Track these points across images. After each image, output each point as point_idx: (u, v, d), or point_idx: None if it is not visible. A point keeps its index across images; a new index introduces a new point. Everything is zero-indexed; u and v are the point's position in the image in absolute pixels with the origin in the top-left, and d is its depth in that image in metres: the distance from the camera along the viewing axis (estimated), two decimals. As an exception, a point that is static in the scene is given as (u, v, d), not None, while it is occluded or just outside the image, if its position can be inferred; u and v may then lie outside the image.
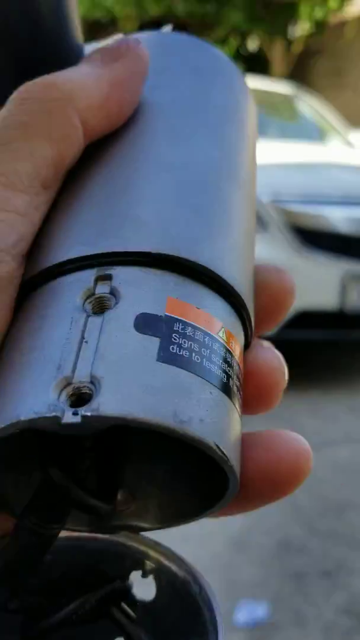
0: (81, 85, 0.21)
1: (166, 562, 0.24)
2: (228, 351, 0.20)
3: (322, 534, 2.17)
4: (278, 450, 0.20)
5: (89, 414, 0.16)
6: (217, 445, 0.18)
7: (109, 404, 0.16)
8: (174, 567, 0.24)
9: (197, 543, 2.12)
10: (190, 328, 0.18)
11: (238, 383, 0.20)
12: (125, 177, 0.21)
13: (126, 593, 0.22)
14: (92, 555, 0.23)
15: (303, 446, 0.20)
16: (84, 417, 0.16)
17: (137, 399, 0.16)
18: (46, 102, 0.20)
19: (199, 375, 0.18)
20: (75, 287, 0.18)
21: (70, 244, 0.19)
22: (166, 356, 0.18)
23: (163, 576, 0.23)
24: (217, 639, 0.21)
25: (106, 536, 0.23)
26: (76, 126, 0.21)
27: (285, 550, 2.08)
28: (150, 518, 0.23)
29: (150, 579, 0.23)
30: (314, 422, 3.12)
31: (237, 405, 0.20)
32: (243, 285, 0.21)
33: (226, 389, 0.19)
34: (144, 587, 0.24)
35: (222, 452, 0.18)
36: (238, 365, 0.21)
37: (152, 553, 0.23)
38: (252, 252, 0.23)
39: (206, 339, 0.19)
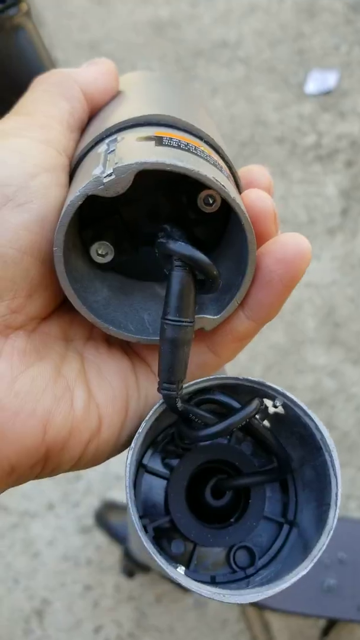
0: (76, 71, 0.32)
1: (290, 402, 0.30)
2: (211, 154, 0.28)
3: None
4: (285, 241, 0.27)
5: (115, 165, 0.25)
6: (214, 178, 0.25)
7: (128, 159, 0.25)
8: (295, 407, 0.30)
9: (264, 12, 2.04)
10: (175, 140, 0.27)
11: (228, 171, 0.29)
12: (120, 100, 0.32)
13: (266, 409, 0.30)
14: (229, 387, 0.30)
15: (304, 240, 0.27)
16: (114, 169, 0.25)
17: (148, 154, 0.25)
18: (55, 79, 0.32)
19: (192, 153, 0.26)
20: (104, 142, 0.28)
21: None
22: (162, 144, 0.26)
23: (289, 407, 0.30)
24: (331, 458, 0.28)
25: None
26: (78, 90, 0.31)
27: (356, 13, 2.00)
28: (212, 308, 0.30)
29: (280, 408, 0.30)
30: None
31: (223, 172, 0.28)
32: (212, 134, 0.30)
33: (217, 165, 0.27)
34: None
35: (220, 184, 0.25)
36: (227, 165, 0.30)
37: (279, 395, 0.30)
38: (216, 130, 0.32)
39: (189, 145, 0.27)
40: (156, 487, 0.31)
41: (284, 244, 0.27)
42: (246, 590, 0.27)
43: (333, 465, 0.28)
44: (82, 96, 0.31)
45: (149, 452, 0.32)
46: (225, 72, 1.93)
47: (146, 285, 0.32)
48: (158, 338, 0.28)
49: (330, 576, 0.83)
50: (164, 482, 0.31)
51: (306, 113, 1.83)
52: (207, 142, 0.29)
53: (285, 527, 0.31)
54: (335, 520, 0.27)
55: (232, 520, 0.31)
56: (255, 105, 1.85)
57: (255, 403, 0.28)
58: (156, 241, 0.28)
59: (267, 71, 1.91)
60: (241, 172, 0.32)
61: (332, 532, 0.26)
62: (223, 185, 0.26)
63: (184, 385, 0.29)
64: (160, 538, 0.31)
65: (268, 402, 0.30)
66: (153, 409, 0.29)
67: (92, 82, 0.32)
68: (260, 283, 0.28)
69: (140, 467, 0.31)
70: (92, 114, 0.33)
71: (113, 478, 1.34)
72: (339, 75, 1.87)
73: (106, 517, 1.17)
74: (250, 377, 0.30)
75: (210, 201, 0.29)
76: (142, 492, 0.31)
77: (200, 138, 0.29)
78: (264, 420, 0.31)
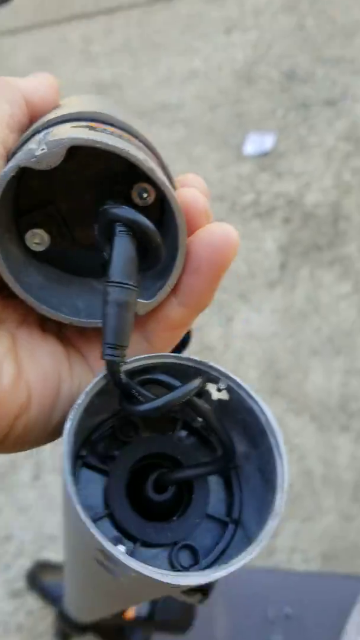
0: (18, 79, 0.33)
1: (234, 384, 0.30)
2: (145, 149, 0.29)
3: (328, 62, 2.17)
4: (213, 228, 0.28)
5: (49, 139, 0.26)
6: (145, 160, 0.26)
7: (61, 135, 0.26)
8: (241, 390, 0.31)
9: (204, 78, 2.13)
10: (109, 130, 0.28)
11: (162, 170, 0.30)
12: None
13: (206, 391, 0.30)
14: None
15: (231, 229, 0.28)
16: (46, 143, 0.26)
17: (82, 134, 0.26)
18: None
19: (125, 140, 0.27)
20: (40, 132, 0.29)
21: None
22: (96, 130, 0.27)
23: (233, 391, 0.29)
24: (275, 439, 0.28)
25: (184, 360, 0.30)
26: (20, 96, 0.32)
27: (291, 81, 2.12)
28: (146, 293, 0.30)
29: (224, 393, 0.30)
30: None
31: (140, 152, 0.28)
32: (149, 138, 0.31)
33: (149, 155, 0.28)
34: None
35: (149, 166, 0.26)
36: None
37: (223, 377, 0.29)
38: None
39: (123, 137, 0.28)
40: (94, 482, 0.30)
41: (212, 231, 0.28)
42: (191, 572, 0.26)
43: (278, 448, 0.28)
44: (23, 102, 0.32)
45: (84, 451, 0.31)
46: (167, 132, 1.99)
47: (83, 280, 0.32)
48: (92, 320, 0.29)
49: (276, 632, 0.80)
50: (102, 478, 0.30)
51: (245, 173, 1.89)
52: (142, 141, 0.30)
53: (230, 527, 0.30)
54: (283, 506, 0.26)
55: (174, 518, 0.30)
56: (196, 164, 1.91)
57: (197, 380, 0.28)
58: (99, 211, 0.28)
59: (207, 133, 1.98)
60: (177, 178, 0.32)
61: (278, 518, 0.26)
62: (152, 168, 0.26)
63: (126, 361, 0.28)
64: None
65: (212, 388, 0.30)
66: (94, 382, 0.28)
67: (33, 91, 0.33)
68: (190, 269, 0.29)
69: (77, 459, 0.30)
70: (33, 121, 0.33)
71: (46, 538, 1.28)
72: (275, 138, 1.96)
73: (39, 577, 1.10)
74: (194, 357, 0.29)
75: (144, 195, 0.29)
76: (80, 488, 0.30)
77: (136, 137, 0.29)
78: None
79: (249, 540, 0.28)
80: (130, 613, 0.86)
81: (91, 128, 0.27)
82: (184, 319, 0.30)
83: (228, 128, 1.99)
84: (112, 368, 0.27)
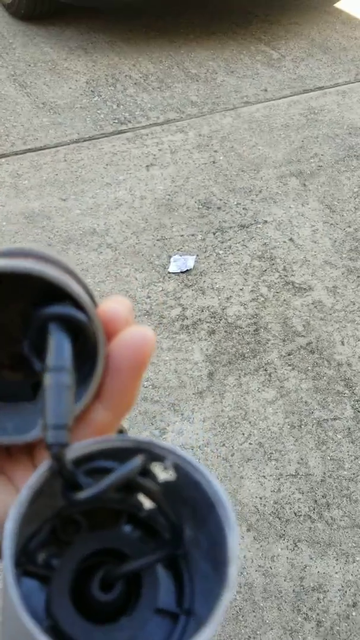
0: None
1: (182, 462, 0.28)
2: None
3: (239, 192, 2.40)
4: (132, 330, 0.29)
5: None
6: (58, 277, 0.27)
7: None
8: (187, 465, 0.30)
9: (128, 207, 2.30)
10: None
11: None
12: None
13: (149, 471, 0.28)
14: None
15: (148, 329, 0.29)
16: None
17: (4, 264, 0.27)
18: None
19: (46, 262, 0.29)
20: None
21: None
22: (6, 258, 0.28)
23: (181, 471, 0.28)
24: (224, 509, 0.27)
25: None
26: None
27: (207, 208, 2.32)
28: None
29: (171, 472, 0.29)
30: (232, 79, 3.10)
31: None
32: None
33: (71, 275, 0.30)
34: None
35: (61, 279, 0.27)
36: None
37: (169, 454, 0.28)
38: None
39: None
40: (34, 590, 0.28)
41: (131, 333, 0.29)
42: None
43: (228, 520, 0.26)
44: None
45: (22, 558, 0.28)
46: (95, 255, 2.11)
47: (13, 404, 0.32)
48: (20, 437, 0.29)
49: None
50: (41, 585, 0.28)
51: (170, 289, 2.01)
52: (60, 266, 0.31)
53: (182, 618, 0.28)
54: (235, 578, 0.25)
55: (123, 617, 0.28)
56: (124, 283, 2.02)
57: (137, 458, 0.27)
58: (32, 318, 0.28)
59: (133, 255, 2.11)
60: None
61: (232, 592, 0.25)
62: (66, 281, 0.27)
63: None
64: None
65: (157, 469, 0.29)
66: (38, 473, 0.27)
67: None
68: (111, 370, 0.30)
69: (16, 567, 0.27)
70: None
71: None
72: (197, 258, 2.11)
73: None
74: (138, 437, 0.28)
75: None
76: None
77: (53, 262, 0.31)
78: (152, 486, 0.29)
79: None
80: None
81: (3, 256, 0.29)
82: (110, 422, 0.31)
83: (153, 250, 2.13)
84: (58, 452, 0.26)
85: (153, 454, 0.28)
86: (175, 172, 2.49)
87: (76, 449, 0.27)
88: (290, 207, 2.35)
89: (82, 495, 0.26)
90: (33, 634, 0.23)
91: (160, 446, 0.28)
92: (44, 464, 0.27)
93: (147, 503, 0.30)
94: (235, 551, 0.26)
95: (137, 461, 0.27)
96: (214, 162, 2.55)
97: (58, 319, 0.28)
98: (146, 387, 1.75)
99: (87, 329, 0.28)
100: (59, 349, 0.27)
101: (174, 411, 1.70)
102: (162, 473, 0.29)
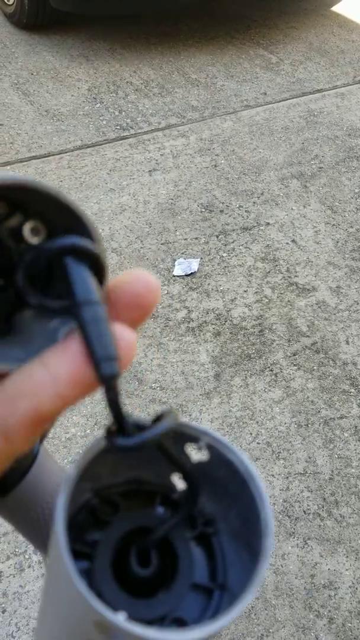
0: None
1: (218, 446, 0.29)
2: None
3: (241, 195, 2.42)
4: (136, 274, 0.26)
5: None
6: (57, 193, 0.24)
7: None
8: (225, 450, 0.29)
9: (132, 212, 2.32)
10: None
11: None
12: None
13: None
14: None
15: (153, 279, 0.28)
16: None
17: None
18: None
19: None
20: None
21: None
22: None
23: (214, 451, 0.29)
24: (261, 501, 0.27)
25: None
26: None
27: (210, 212, 2.34)
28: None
29: (204, 452, 0.29)
30: (231, 83, 3.13)
31: None
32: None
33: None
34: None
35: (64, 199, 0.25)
36: None
37: (204, 436, 0.29)
38: None
39: None
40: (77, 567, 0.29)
41: (134, 274, 0.27)
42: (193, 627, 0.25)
43: (260, 495, 0.27)
44: None
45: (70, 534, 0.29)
46: (100, 260, 2.13)
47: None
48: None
49: None
50: (82, 563, 0.29)
51: (175, 292, 2.03)
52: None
53: (217, 593, 0.30)
54: (270, 551, 0.26)
55: (160, 592, 0.29)
56: (129, 287, 2.03)
57: (174, 414, 0.27)
58: (31, 252, 0.26)
59: (138, 259, 2.13)
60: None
61: (267, 562, 0.26)
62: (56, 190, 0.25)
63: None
64: None
65: (191, 449, 0.29)
66: (91, 444, 0.27)
67: None
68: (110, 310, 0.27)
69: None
70: None
71: None
72: (201, 261, 2.13)
73: None
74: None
75: (36, 233, 0.28)
76: None
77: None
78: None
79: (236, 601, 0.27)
80: None
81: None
82: None
83: (157, 254, 2.15)
84: (112, 383, 0.25)
85: (187, 435, 0.29)
86: (178, 176, 2.51)
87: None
88: (292, 208, 2.38)
89: (131, 440, 0.26)
90: (88, 600, 0.23)
91: (194, 427, 0.28)
92: (93, 444, 0.27)
93: (180, 484, 0.31)
94: (270, 524, 0.26)
95: (175, 416, 0.27)
96: (215, 166, 2.57)
97: (76, 251, 0.25)
98: (154, 389, 1.77)
99: (100, 264, 0.26)
100: (86, 282, 0.25)
101: (182, 412, 1.71)
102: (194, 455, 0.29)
